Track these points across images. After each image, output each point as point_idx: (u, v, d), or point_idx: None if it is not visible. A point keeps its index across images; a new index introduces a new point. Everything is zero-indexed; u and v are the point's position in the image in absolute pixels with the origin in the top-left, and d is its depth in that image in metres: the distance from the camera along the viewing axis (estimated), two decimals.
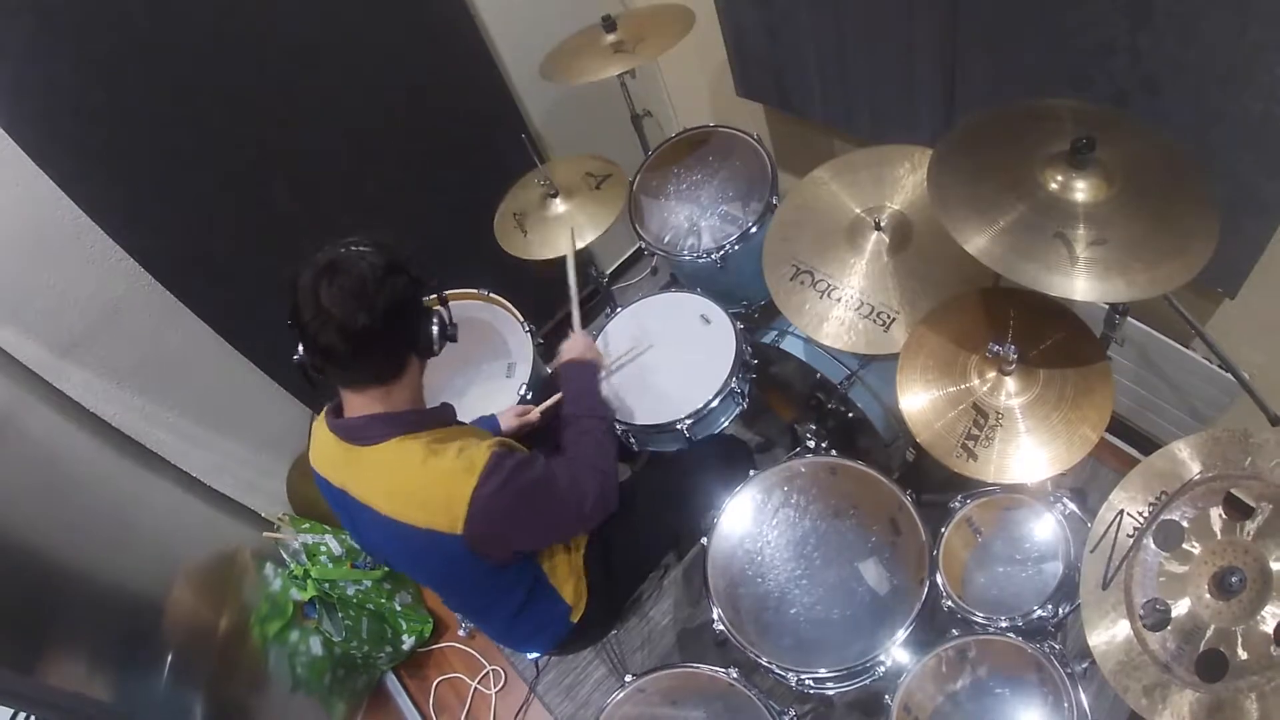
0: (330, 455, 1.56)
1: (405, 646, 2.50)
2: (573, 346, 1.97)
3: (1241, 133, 1.56)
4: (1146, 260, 1.37)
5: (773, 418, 2.62)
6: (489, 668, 2.49)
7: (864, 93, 2.18)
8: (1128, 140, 1.50)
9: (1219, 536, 1.24)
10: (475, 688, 2.48)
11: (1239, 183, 1.61)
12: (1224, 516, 1.23)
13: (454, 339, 1.52)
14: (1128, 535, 1.27)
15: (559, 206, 2.23)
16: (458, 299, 2.36)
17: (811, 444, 2.35)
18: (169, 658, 2.11)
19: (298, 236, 2.24)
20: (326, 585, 2.35)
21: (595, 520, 1.70)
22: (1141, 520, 1.27)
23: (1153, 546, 1.26)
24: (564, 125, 2.70)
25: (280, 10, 2.04)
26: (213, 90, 2.00)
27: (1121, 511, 1.29)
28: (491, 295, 2.31)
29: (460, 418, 2.16)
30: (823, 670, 1.69)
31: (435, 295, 1.58)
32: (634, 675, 1.78)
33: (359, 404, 1.49)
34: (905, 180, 1.96)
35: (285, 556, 2.43)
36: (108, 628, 2.04)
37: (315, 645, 2.34)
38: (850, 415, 2.13)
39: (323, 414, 1.58)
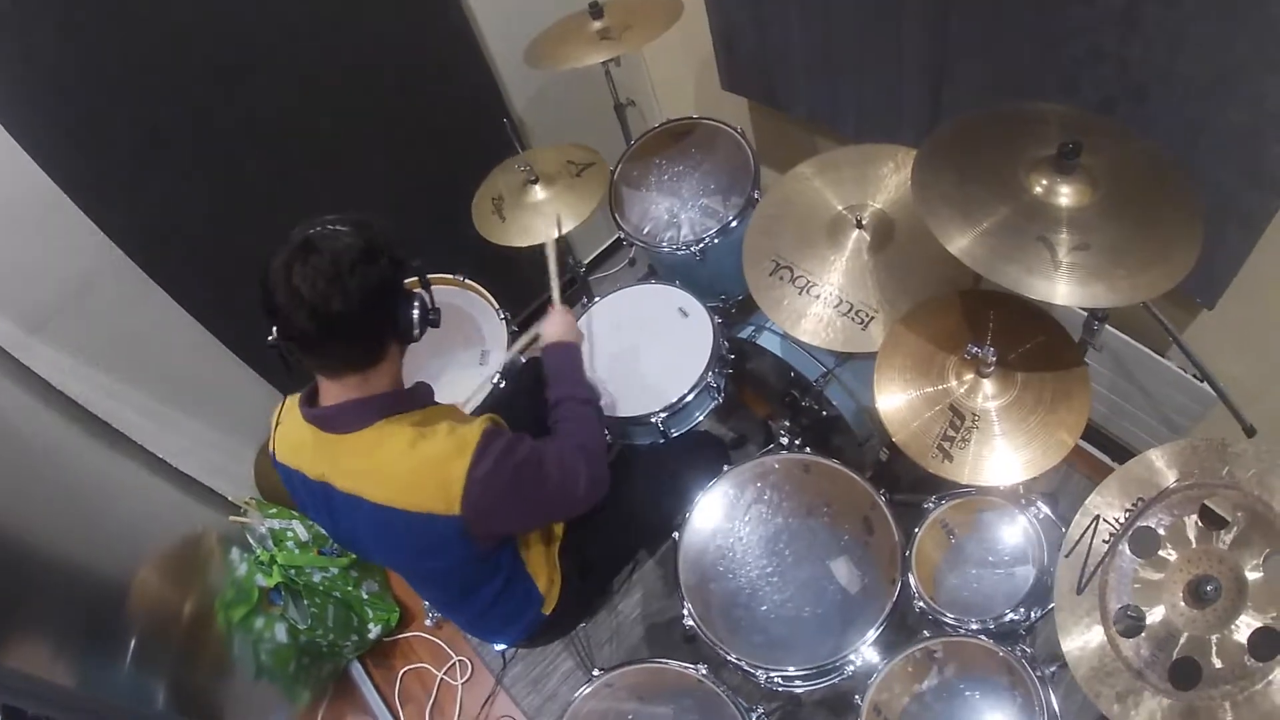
0: (304, 446, 1.49)
1: (371, 635, 2.45)
2: (553, 327, 1.88)
3: (1226, 143, 1.55)
4: (1128, 266, 1.35)
5: (747, 414, 2.60)
6: (455, 658, 2.45)
7: (850, 92, 2.15)
8: (1114, 146, 1.48)
9: (1195, 545, 1.22)
10: (441, 678, 2.44)
11: (1222, 193, 1.59)
12: (1200, 525, 1.21)
13: (436, 324, 1.45)
14: (1103, 541, 1.25)
15: (539, 193, 2.18)
16: (434, 284, 2.31)
17: (785, 441, 2.34)
18: (132, 642, 2.06)
19: (274, 215, 2.17)
20: (292, 571, 2.29)
21: (591, 500, 1.63)
22: (1118, 526, 1.25)
23: (1128, 553, 1.24)
24: (547, 112, 2.64)
25: None
26: (193, 66, 1.93)
27: (1097, 517, 1.27)
28: (468, 281, 2.26)
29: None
30: (791, 668, 1.66)
31: (417, 278, 1.51)
32: (601, 670, 1.75)
33: (335, 391, 1.42)
34: (889, 180, 1.93)
35: (251, 541, 2.36)
36: (71, 610, 1.98)
37: (280, 632, 2.29)
38: (824, 413, 2.11)
39: (291, 403, 1.52)
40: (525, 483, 1.49)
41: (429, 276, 2.11)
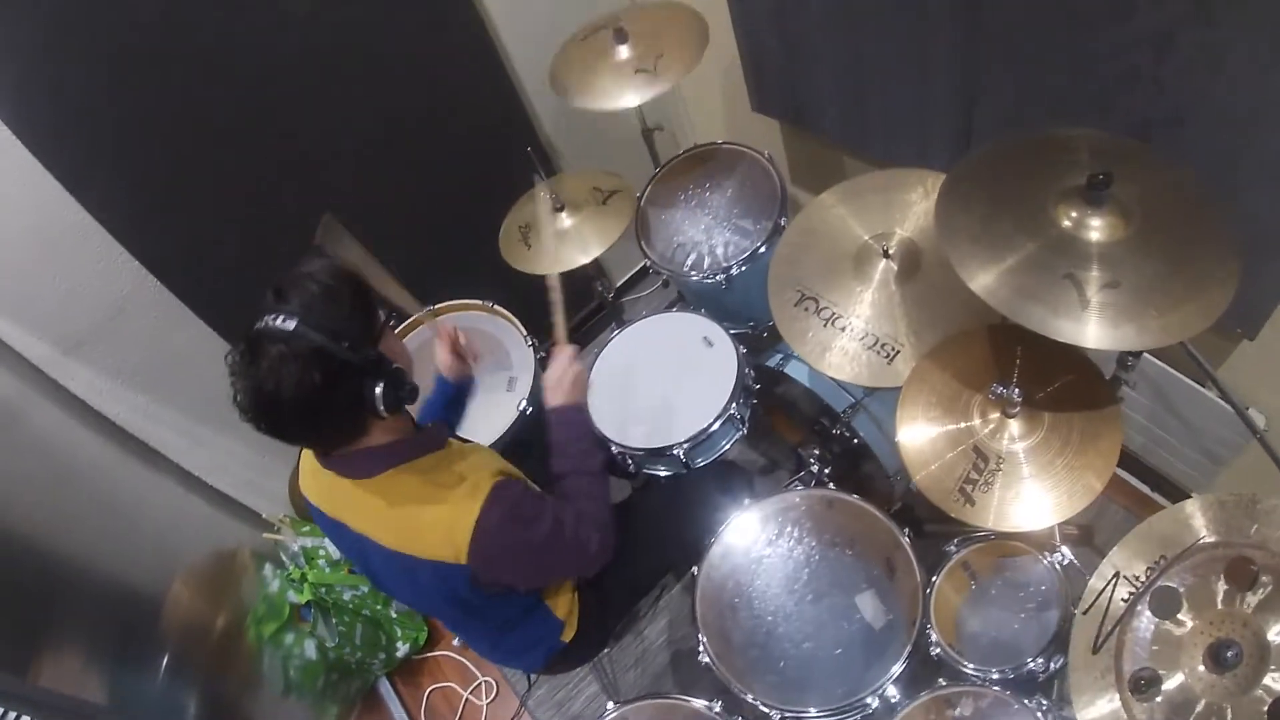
0: (324, 486, 1.49)
1: (399, 653, 2.45)
2: (556, 379, 1.73)
3: (1267, 170, 1.45)
4: (1160, 305, 1.28)
5: (778, 439, 2.54)
6: (481, 679, 2.44)
7: (879, 114, 2.08)
8: (1147, 176, 1.40)
9: (1218, 606, 1.14)
10: (467, 698, 2.43)
11: (1262, 222, 1.50)
12: (1225, 586, 1.13)
13: (408, 401, 1.36)
14: (1122, 600, 1.18)
15: (565, 221, 2.15)
16: (463, 310, 2.31)
17: (815, 468, 2.29)
18: (165, 657, 2.09)
19: (304, 242, 2.22)
20: (323, 589, 2.31)
21: (597, 566, 1.61)
22: (1138, 585, 1.18)
23: (1147, 613, 1.17)
24: (575, 137, 2.62)
25: (291, 16, 1.97)
26: (222, 95, 1.95)
27: (1117, 574, 1.20)
28: (495, 307, 2.25)
29: (462, 429, 2.10)
30: (812, 710, 1.61)
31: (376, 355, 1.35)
32: (617, 702, 1.73)
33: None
34: (917, 206, 1.86)
35: (284, 558, 2.39)
36: (105, 625, 2.02)
37: (310, 649, 2.30)
38: (855, 440, 2.05)
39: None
40: (534, 540, 1.46)
41: (449, 304, 2.11)
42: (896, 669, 1.57)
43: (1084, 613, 1.20)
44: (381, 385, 1.28)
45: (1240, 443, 1.89)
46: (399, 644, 2.45)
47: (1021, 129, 1.68)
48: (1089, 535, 2.16)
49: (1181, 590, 1.15)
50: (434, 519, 1.40)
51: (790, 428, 2.41)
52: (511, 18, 2.33)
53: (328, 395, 1.23)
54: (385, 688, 2.52)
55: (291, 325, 1.20)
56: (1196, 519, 1.18)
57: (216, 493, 2.39)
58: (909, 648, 1.59)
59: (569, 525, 1.52)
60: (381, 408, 1.29)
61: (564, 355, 1.76)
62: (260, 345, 1.20)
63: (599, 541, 1.57)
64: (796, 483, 2.44)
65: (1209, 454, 2.01)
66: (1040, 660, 1.54)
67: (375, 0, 2.09)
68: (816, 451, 2.27)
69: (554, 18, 2.32)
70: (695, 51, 2.04)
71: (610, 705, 1.70)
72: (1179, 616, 1.15)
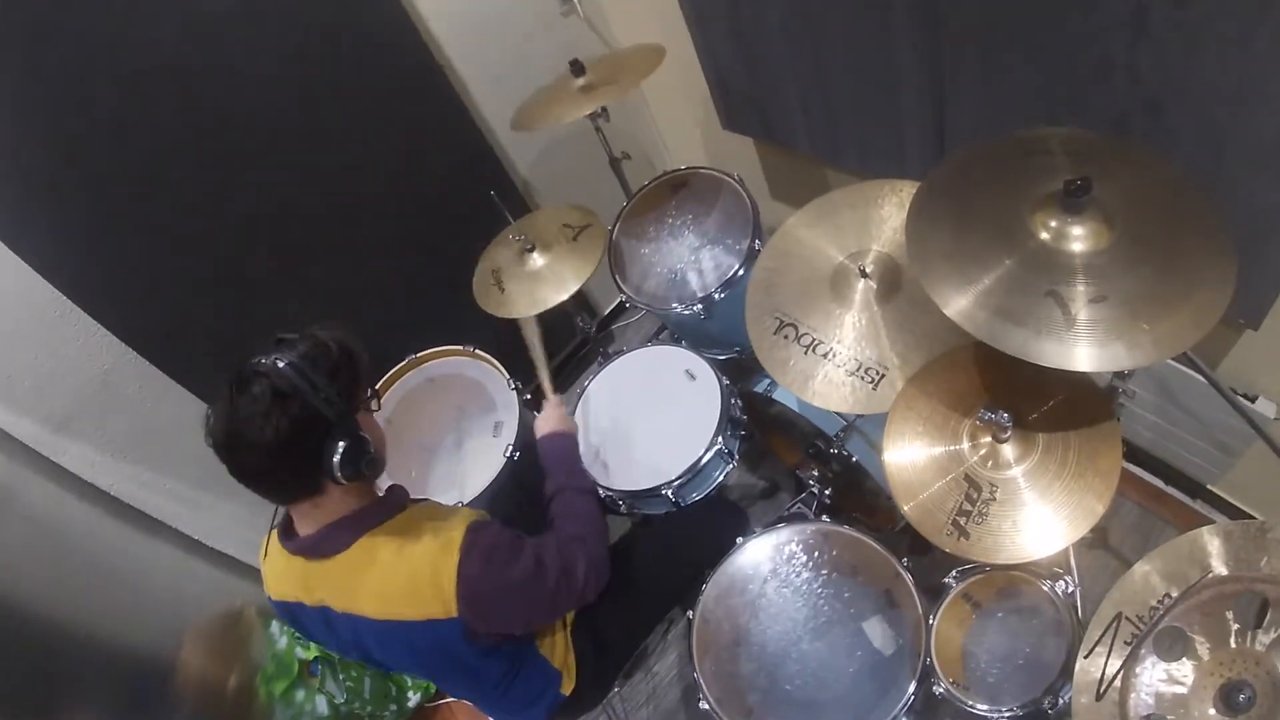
0: (295, 576, 1.41)
1: (410, 703, 2.35)
2: (546, 419, 1.79)
3: (1255, 153, 1.30)
4: (1152, 317, 1.13)
5: (775, 461, 2.40)
6: None
7: (849, 124, 1.95)
8: (1128, 172, 1.25)
9: (1229, 646, 1.00)
10: None
11: (1256, 208, 1.34)
12: (1235, 624, 0.99)
13: (365, 472, 1.29)
14: (1125, 643, 1.04)
15: (537, 261, 2.03)
16: (445, 356, 2.21)
17: (815, 489, 2.15)
18: None
19: (282, 303, 2.13)
20: None
21: (591, 593, 1.53)
22: (1141, 626, 1.03)
23: (1153, 655, 1.02)
24: (549, 173, 2.51)
25: (250, 80, 1.89)
26: (186, 164, 1.86)
27: (1119, 615, 1.05)
28: (477, 352, 2.14)
29: (452, 478, 2.01)
30: None
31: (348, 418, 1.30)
32: None
33: (300, 518, 1.34)
34: (892, 220, 1.71)
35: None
36: (117, 694, 1.96)
37: (321, 705, 2.19)
38: (855, 459, 1.91)
39: (273, 537, 1.42)
40: (520, 576, 1.39)
41: (433, 350, 2.02)
42: (900, 709, 1.44)
43: (1086, 656, 1.06)
44: (342, 448, 1.24)
45: (1251, 433, 1.73)
46: (410, 693, 2.34)
47: (995, 132, 1.53)
48: (1103, 537, 2.01)
49: (1188, 630, 1.01)
50: (416, 576, 1.32)
51: (788, 449, 2.27)
52: (473, 63, 2.23)
53: (291, 442, 1.20)
54: None
55: (282, 364, 1.20)
56: (1203, 552, 1.04)
57: (219, 554, 2.29)
58: (913, 684, 1.46)
59: (554, 554, 1.46)
60: (338, 473, 1.24)
61: (551, 403, 1.80)
62: (246, 377, 1.20)
63: (588, 566, 1.50)
64: (798, 504, 2.32)
65: (1220, 445, 1.84)
66: (1049, 699, 1.39)
67: (333, 61, 2.00)
68: (815, 473, 2.13)
69: (515, 61, 2.21)
70: (652, 61, 1.93)
71: None
72: (1187, 657, 1.00)
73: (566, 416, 1.81)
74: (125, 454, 2.06)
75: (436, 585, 1.31)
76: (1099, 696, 1.02)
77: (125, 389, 1.99)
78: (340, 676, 2.19)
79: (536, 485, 1.72)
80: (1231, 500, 1.97)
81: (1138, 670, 1.02)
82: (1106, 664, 1.02)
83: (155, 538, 2.17)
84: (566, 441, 1.74)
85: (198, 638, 2.16)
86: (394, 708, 2.31)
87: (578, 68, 1.95)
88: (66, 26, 1.63)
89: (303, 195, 2.07)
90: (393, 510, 1.39)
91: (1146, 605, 1.03)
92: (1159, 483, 2.08)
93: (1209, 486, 1.99)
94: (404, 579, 1.33)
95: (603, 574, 1.54)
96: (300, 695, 2.20)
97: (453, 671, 1.53)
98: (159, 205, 1.86)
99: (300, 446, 1.22)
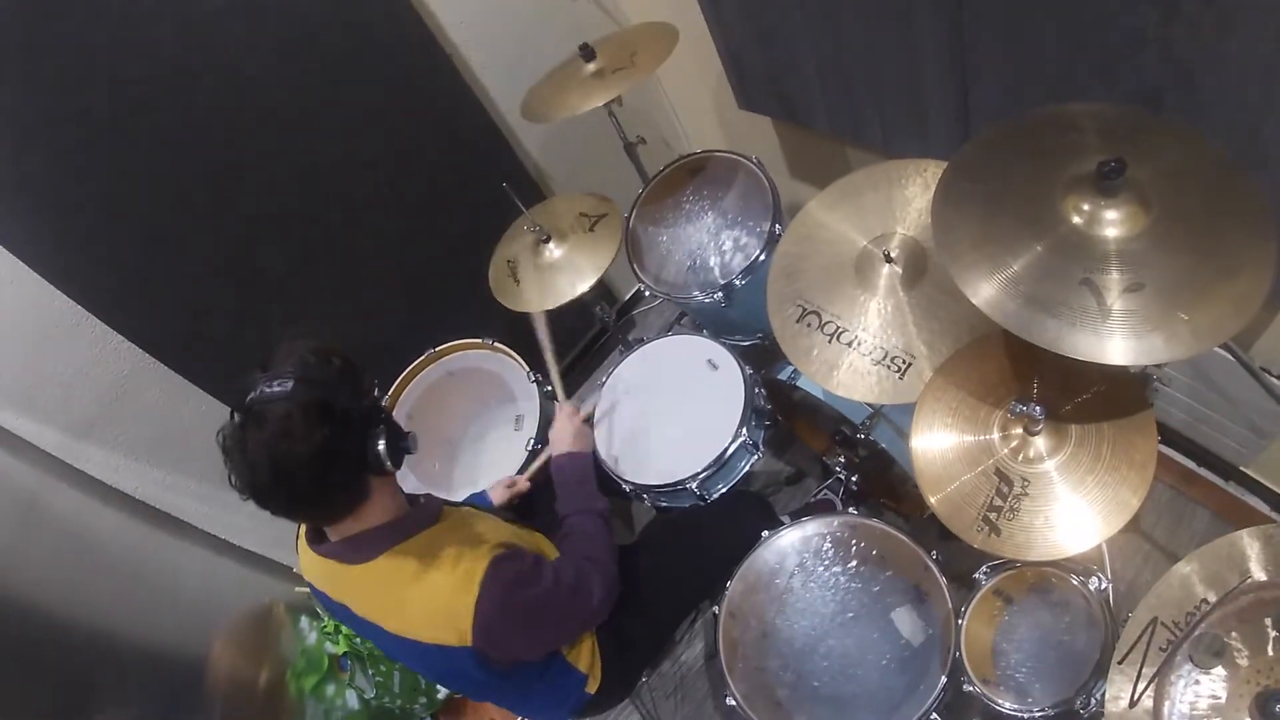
0: (323, 573, 1.42)
1: (441, 694, 2.36)
2: (560, 436, 1.76)
3: None
4: (1190, 306, 1.08)
5: (802, 448, 2.37)
6: None
7: (869, 101, 1.88)
8: (1164, 151, 1.19)
9: (1268, 653, 0.96)
10: None
11: None
12: (1273, 631, 0.95)
13: (410, 449, 1.30)
14: (1160, 649, 1.01)
15: (554, 252, 2.00)
16: (464, 350, 2.19)
17: (843, 476, 2.13)
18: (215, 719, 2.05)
19: (296, 303, 2.12)
20: (358, 639, 2.22)
21: (602, 617, 1.55)
22: (1177, 631, 1.00)
23: (1188, 663, 0.99)
24: (563, 161, 2.47)
25: (251, 79, 1.86)
26: (190, 166, 1.85)
27: (1155, 620, 1.02)
28: (496, 344, 2.13)
29: (474, 472, 2.00)
30: None
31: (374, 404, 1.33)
32: None
33: (335, 530, 1.33)
34: (916, 201, 1.66)
35: (319, 610, 2.31)
36: (152, 695, 1.99)
37: (351, 699, 2.22)
38: (882, 446, 1.88)
39: (302, 534, 1.43)
40: (538, 610, 1.40)
41: (453, 344, 2.03)
42: (930, 704, 1.42)
43: (1119, 662, 1.03)
44: (384, 438, 1.24)
45: None
46: (439, 686, 2.36)
47: (1022, 108, 1.47)
48: (1134, 520, 1.95)
49: (1225, 636, 0.97)
50: (433, 605, 1.33)
51: (814, 435, 2.23)
52: (480, 49, 2.19)
53: (337, 448, 1.18)
54: None
55: (289, 385, 1.17)
56: (1242, 556, 1.00)
57: (246, 553, 2.32)
58: (943, 678, 1.44)
59: (570, 581, 1.45)
60: (387, 461, 1.24)
61: (563, 413, 1.75)
62: (260, 412, 1.16)
63: (601, 592, 1.50)
64: (825, 491, 2.29)
65: (1254, 427, 1.78)
66: (1082, 698, 1.35)
67: (335, 54, 1.96)
68: (842, 459, 2.11)
69: (524, 43, 2.17)
70: (658, 56, 1.87)
71: None
72: (1223, 665, 0.97)
73: (582, 430, 1.77)
74: (148, 457, 2.07)
75: (452, 615, 1.31)
76: (1133, 704, 1.00)
77: (145, 394, 2.01)
78: (370, 671, 2.21)
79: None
80: (1266, 483, 1.91)
81: (1172, 678, 0.99)
82: (1141, 670, 0.99)
83: (182, 539, 2.19)
84: (581, 462, 1.71)
85: (228, 636, 2.19)
86: (424, 700, 2.33)
87: (588, 52, 1.90)
88: (60, 37, 1.62)
89: (311, 192, 2.05)
90: (423, 523, 1.39)
91: (1183, 611, 0.99)
92: (1191, 464, 2.02)
93: (1242, 468, 1.93)
94: (422, 604, 1.33)
95: (614, 594, 1.55)
96: (331, 690, 2.23)
97: (468, 685, 1.56)
98: (166, 210, 1.85)
99: (346, 449, 1.21)
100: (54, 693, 1.76)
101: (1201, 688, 0.98)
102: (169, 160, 1.81)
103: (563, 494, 1.66)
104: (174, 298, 1.94)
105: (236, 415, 1.20)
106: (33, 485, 1.92)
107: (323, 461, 1.17)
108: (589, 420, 1.91)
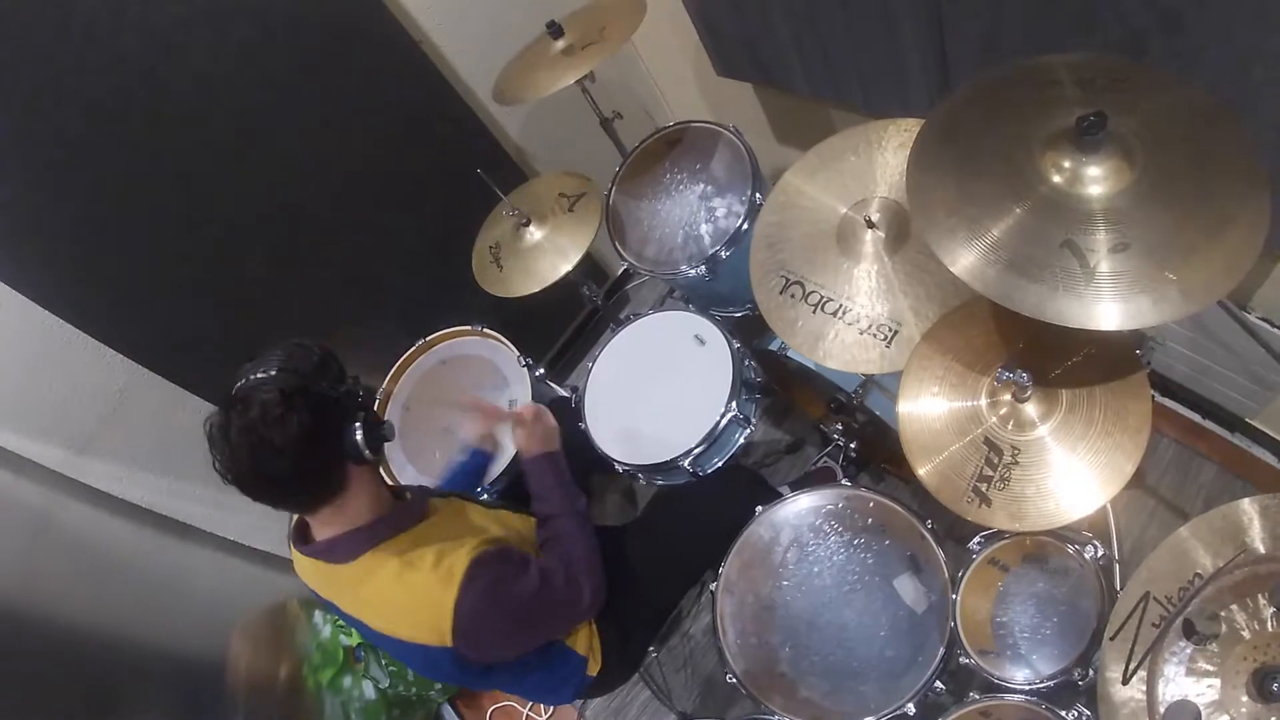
0: (311, 571, 1.42)
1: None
2: (527, 439, 1.62)
3: None
4: (1178, 265, 1.02)
5: (799, 415, 2.33)
6: None
7: (846, 59, 1.80)
8: (1147, 101, 1.12)
9: (1266, 629, 0.92)
10: (527, 715, 2.35)
11: None
12: (1269, 607, 0.91)
13: (387, 437, 1.29)
14: (1153, 624, 0.96)
15: (534, 235, 1.95)
16: (455, 337, 2.16)
17: (841, 442, 2.09)
18: (239, 717, 2.07)
19: (286, 302, 2.09)
20: None
21: (592, 614, 1.55)
22: (1170, 606, 0.95)
23: (1182, 638, 0.95)
24: (543, 140, 2.40)
25: (219, 85, 1.81)
26: (165, 177, 1.81)
27: (1147, 594, 0.98)
28: (486, 330, 2.09)
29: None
30: None
31: (359, 395, 1.31)
32: None
33: (319, 525, 1.33)
34: (895, 162, 1.59)
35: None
36: (175, 695, 2.01)
37: (368, 689, 2.23)
38: (877, 413, 1.83)
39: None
40: (521, 610, 1.39)
41: (444, 331, 1.98)
42: (924, 682, 1.40)
43: (1112, 638, 0.99)
44: (360, 426, 1.24)
45: None
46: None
47: (1001, 60, 1.40)
48: (1140, 476, 1.89)
49: (1221, 612, 0.93)
50: (413, 603, 1.32)
51: (811, 403, 2.19)
52: (451, 36, 2.13)
53: (315, 432, 1.19)
54: (449, 713, 2.44)
55: (272, 372, 1.19)
56: (1238, 528, 0.95)
57: (256, 551, 2.32)
58: (942, 648, 1.41)
59: (559, 578, 1.44)
60: (365, 450, 1.24)
61: (525, 418, 1.64)
62: (247, 397, 1.18)
63: (590, 589, 1.49)
64: (824, 459, 2.26)
65: (1258, 379, 1.72)
66: (1079, 670, 1.31)
67: (301, 52, 1.91)
68: (840, 426, 2.06)
69: (494, 24, 2.10)
70: (636, 17, 1.81)
71: None
72: (1218, 641, 0.93)
73: (547, 430, 1.64)
74: (151, 466, 2.06)
75: (432, 616, 1.30)
76: (1126, 680, 0.96)
77: (142, 404, 1.99)
78: (383, 661, 2.21)
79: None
80: (1272, 434, 1.84)
81: (1166, 654, 0.94)
82: (1134, 646, 0.94)
83: (191, 543, 2.19)
84: (552, 461, 1.62)
85: (244, 635, 2.20)
86: (439, 686, 2.33)
87: (556, 29, 1.83)
88: (25, 61, 1.59)
89: (290, 193, 2.00)
90: (408, 522, 1.38)
91: (1176, 585, 0.95)
92: (1196, 417, 1.95)
93: (1248, 420, 1.86)
94: (401, 603, 1.33)
95: (601, 597, 1.52)
96: (348, 681, 2.23)
97: (460, 678, 1.52)
98: (146, 221, 1.82)
99: (324, 435, 1.21)
100: (80, 702, 1.78)
101: (1196, 664, 0.93)
102: (144, 171, 1.78)
103: (541, 496, 1.60)
104: (161, 308, 1.92)
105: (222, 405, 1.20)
106: (40, 503, 1.93)
107: (301, 445, 1.17)
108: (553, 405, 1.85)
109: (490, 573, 1.32)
